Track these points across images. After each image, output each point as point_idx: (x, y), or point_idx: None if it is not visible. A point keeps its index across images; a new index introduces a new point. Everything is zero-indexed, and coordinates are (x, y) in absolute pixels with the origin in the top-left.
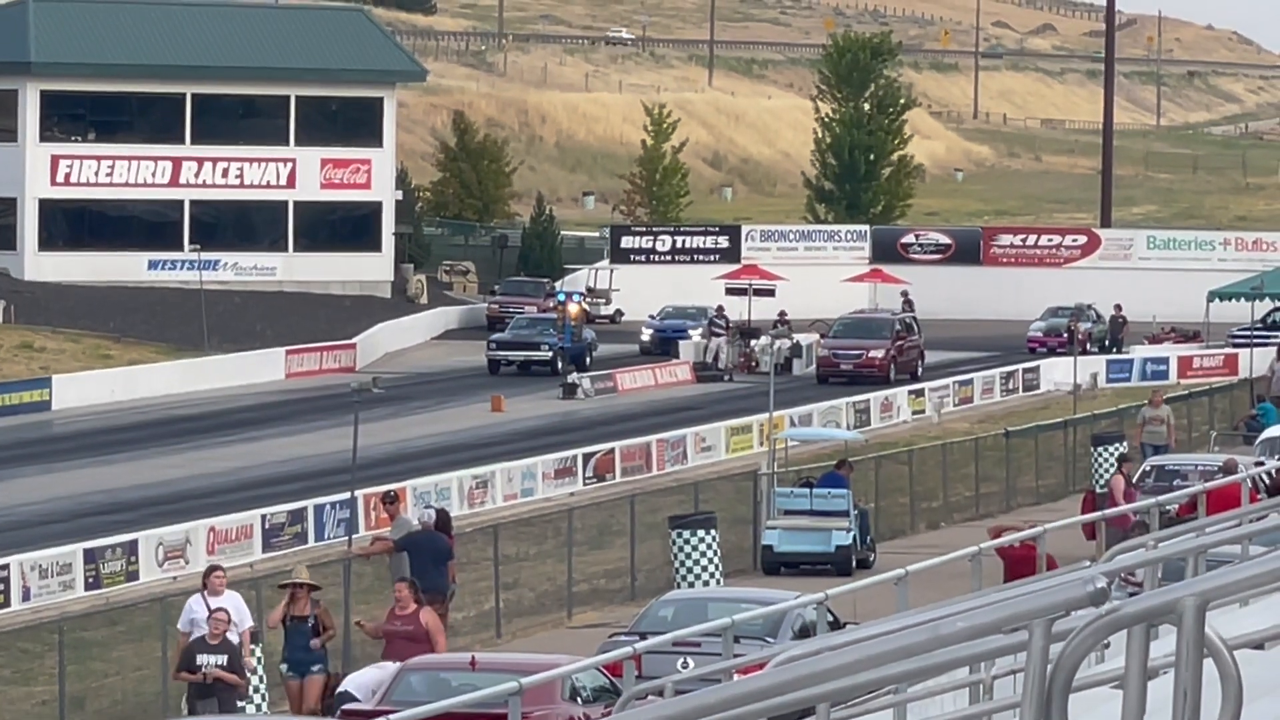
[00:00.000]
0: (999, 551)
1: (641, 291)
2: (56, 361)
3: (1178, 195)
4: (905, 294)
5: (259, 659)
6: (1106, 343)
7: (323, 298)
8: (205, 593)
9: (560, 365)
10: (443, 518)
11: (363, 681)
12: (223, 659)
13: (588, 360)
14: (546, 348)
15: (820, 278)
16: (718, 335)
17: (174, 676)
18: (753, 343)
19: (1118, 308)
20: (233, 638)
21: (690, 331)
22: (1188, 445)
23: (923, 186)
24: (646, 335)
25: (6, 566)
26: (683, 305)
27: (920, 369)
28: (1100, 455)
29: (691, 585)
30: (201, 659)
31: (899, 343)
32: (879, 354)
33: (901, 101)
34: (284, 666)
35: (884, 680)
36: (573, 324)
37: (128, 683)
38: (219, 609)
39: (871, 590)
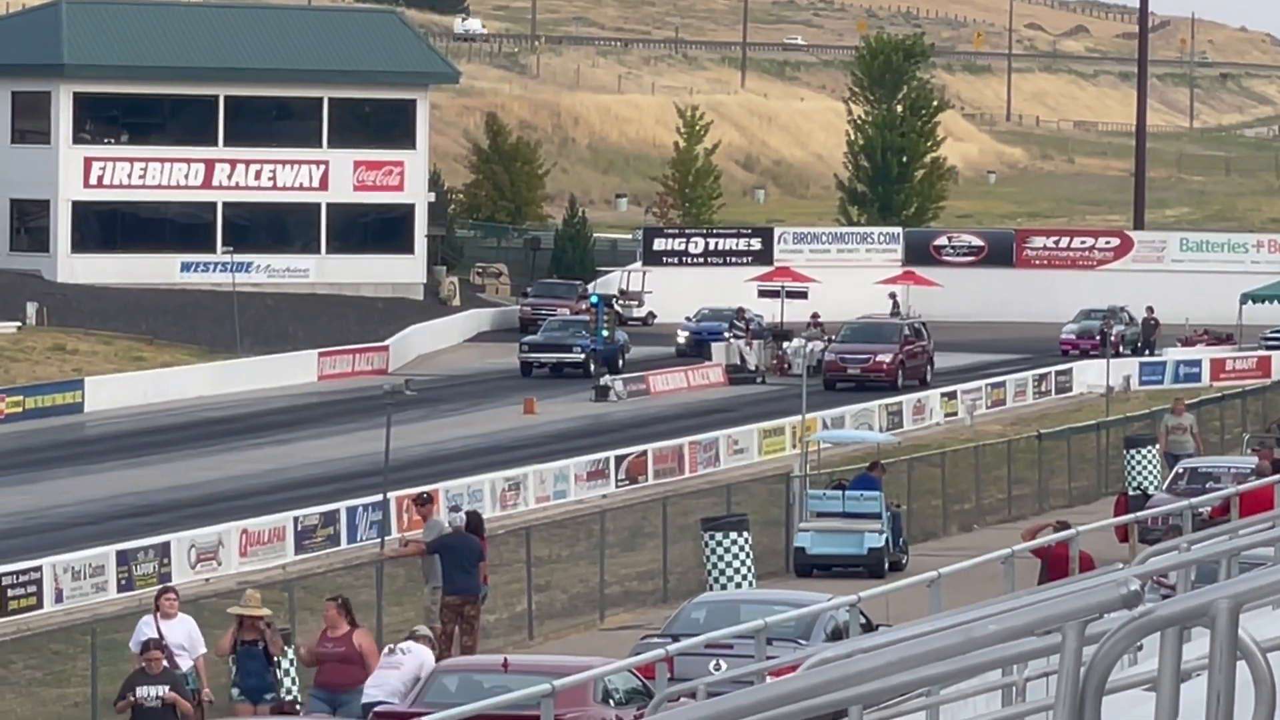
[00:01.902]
0: (1036, 551)
1: (674, 294)
2: (89, 363)
3: (1211, 197)
4: (893, 295)
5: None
6: (1139, 345)
7: (355, 300)
8: (157, 615)
9: (592, 367)
10: (474, 519)
11: (388, 685)
12: (163, 689)
13: (620, 362)
14: (579, 350)
15: (853, 280)
16: (739, 338)
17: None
18: (785, 345)
19: (1149, 310)
20: (184, 664)
21: (725, 334)
22: (1220, 448)
23: (955, 189)
24: (682, 337)
25: (39, 568)
26: (719, 307)
27: (929, 374)
28: (1133, 458)
29: (724, 587)
30: (141, 691)
31: (907, 348)
32: (886, 359)
33: (934, 103)
34: (235, 691)
35: (917, 683)
36: (605, 322)
37: None
38: (153, 643)
39: (904, 592)
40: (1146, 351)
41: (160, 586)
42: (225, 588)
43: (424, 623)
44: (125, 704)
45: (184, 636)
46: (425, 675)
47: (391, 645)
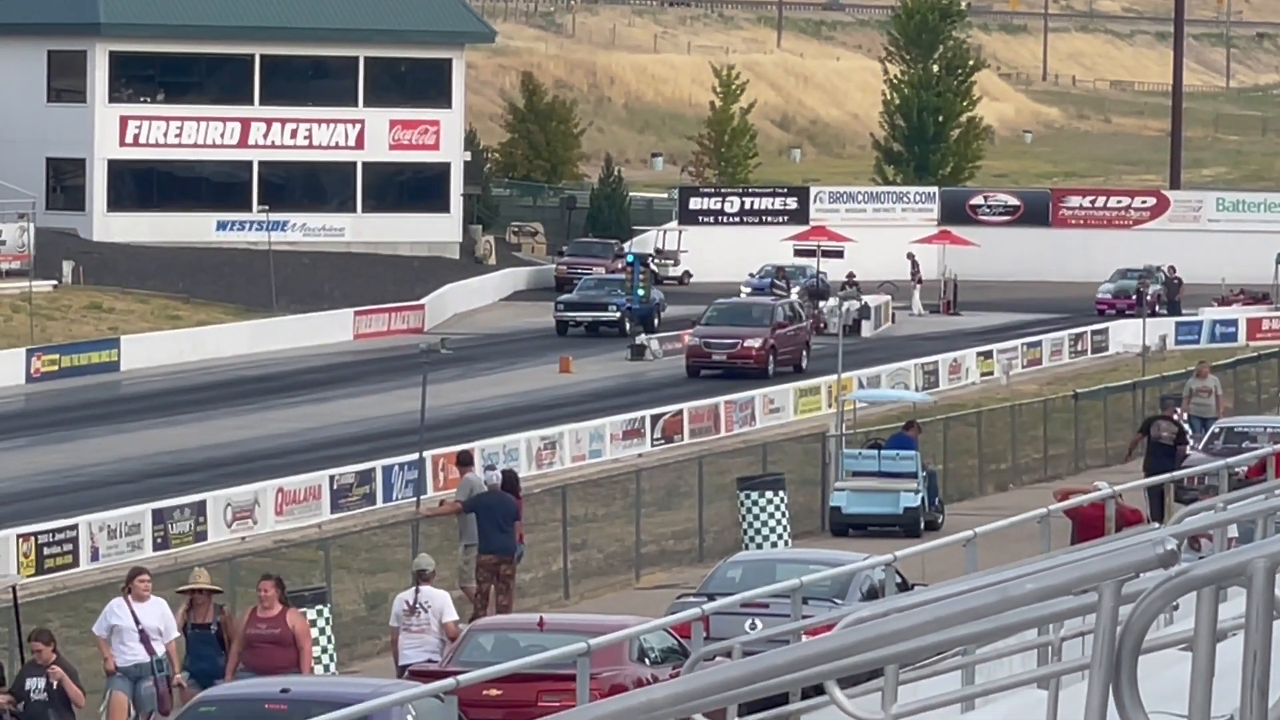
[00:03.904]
0: (1067, 511)
1: (710, 253)
2: (125, 322)
3: (1247, 157)
4: (911, 255)
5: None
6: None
7: (391, 259)
8: (129, 597)
9: (628, 326)
10: (510, 478)
11: (428, 644)
12: (47, 678)
13: (656, 321)
14: (614, 309)
15: (889, 239)
16: (779, 297)
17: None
18: (821, 304)
19: (1171, 269)
20: (159, 648)
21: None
22: (1256, 408)
23: (991, 148)
24: (745, 294)
25: (75, 527)
26: (780, 264)
27: (805, 360)
28: None
29: (759, 546)
30: (30, 682)
31: (779, 331)
32: (755, 344)
33: (970, 63)
34: (185, 675)
35: (952, 642)
36: (640, 281)
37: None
38: (35, 634)
39: (940, 552)
40: (1170, 310)
41: (132, 568)
42: (261, 546)
43: (458, 582)
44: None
45: (158, 619)
46: (447, 617)
47: (407, 602)
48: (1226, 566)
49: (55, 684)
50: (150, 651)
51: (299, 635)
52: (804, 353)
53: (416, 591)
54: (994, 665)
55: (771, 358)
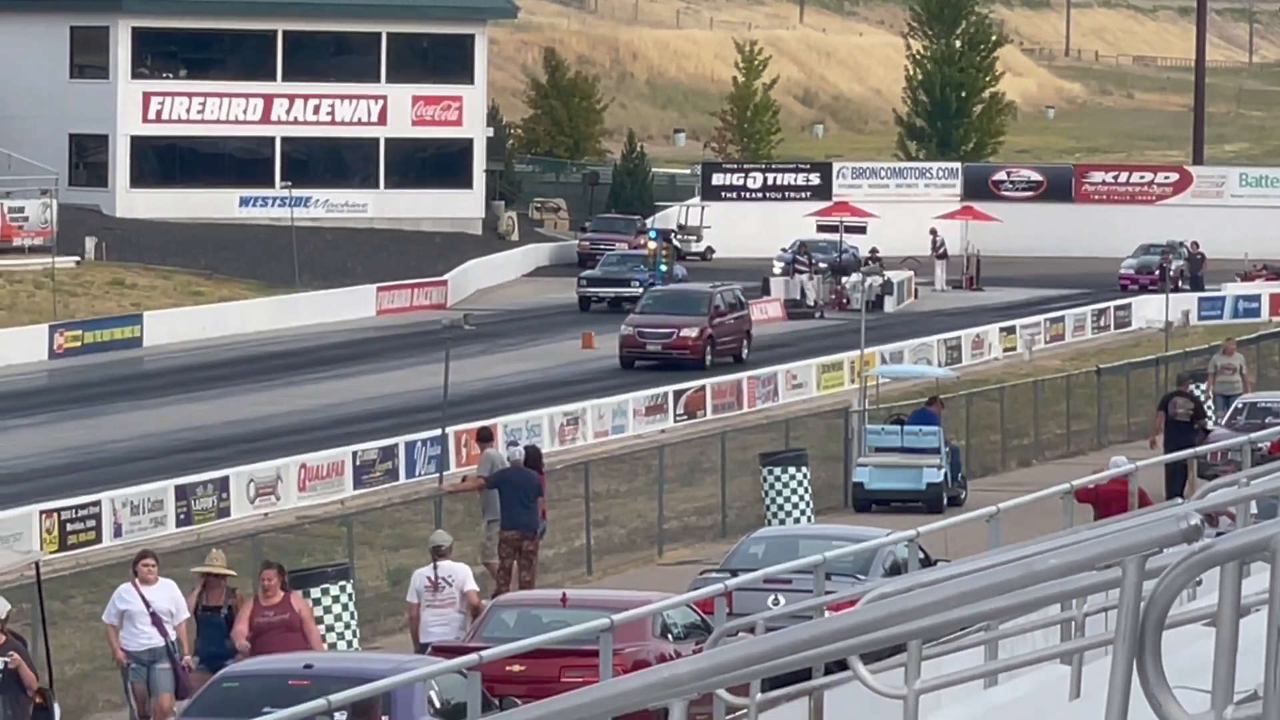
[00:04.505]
0: (1084, 497)
1: (732, 229)
2: (148, 298)
3: (1270, 132)
4: (934, 231)
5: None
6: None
7: (414, 234)
8: (136, 581)
9: None
10: (533, 454)
11: (454, 620)
12: (4, 661)
13: None
14: (637, 284)
15: (911, 215)
16: (801, 273)
17: None
18: (844, 280)
19: (1194, 244)
20: (170, 631)
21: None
22: (1279, 383)
23: (1014, 124)
24: (778, 268)
25: (98, 503)
26: (811, 239)
27: (746, 350)
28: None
29: (782, 522)
30: None
31: (717, 321)
32: (692, 334)
33: (993, 38)
34: (195, 659)
35: (975, 617)
36: (663, 257)
37: None
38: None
39: (963, 527)
40: (1193, 286)
41: (139, 551)
42: (283, 522)
43: (480, 558)
44: None
45: (168, 601)
46: (468, 587)
47: (428, 578)
48: (1251, 541)
49: (12, 666)
50: (163, 634)
51: (305, 617)
52: (744, 342)
53: (435, 567)
54: (1017, 641)
55: (709, 348)
